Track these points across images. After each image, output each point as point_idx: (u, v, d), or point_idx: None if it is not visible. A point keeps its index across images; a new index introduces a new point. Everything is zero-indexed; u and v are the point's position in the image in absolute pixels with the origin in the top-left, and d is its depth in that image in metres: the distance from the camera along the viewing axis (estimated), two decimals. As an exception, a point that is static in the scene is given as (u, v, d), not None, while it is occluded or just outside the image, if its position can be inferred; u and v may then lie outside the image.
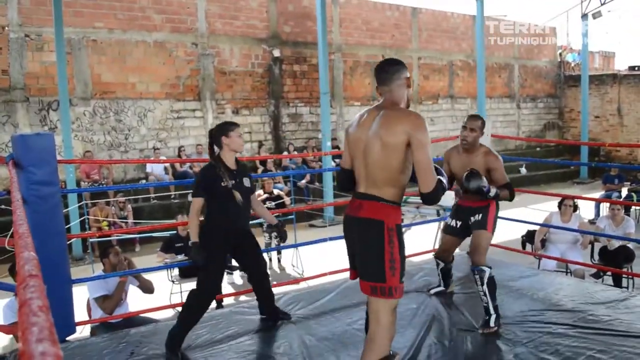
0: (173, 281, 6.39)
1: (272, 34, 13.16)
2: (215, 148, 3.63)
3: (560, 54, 20.82)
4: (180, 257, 6.35)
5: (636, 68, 19.66)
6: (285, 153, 12.76)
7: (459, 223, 4.07)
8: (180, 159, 11.18)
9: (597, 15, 17.27)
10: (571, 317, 3.86)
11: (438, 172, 2.56)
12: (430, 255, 7.20)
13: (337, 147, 13.40)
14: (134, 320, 4.54)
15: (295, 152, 12.76)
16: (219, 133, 3.60)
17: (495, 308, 3.67)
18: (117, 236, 8.63)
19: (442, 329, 3.73)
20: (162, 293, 6.31)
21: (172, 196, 10.89)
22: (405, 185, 2.58)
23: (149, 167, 11.07)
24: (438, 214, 7.63)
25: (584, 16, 17.51)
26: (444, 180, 2.55)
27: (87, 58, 10.72)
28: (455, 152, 4.13)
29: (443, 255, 4.30)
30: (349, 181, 2.74)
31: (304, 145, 13.45)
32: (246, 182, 3.66)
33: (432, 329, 3.72)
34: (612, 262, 6.09)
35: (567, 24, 21.76)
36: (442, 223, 7.73)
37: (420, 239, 7.89)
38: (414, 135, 2.44)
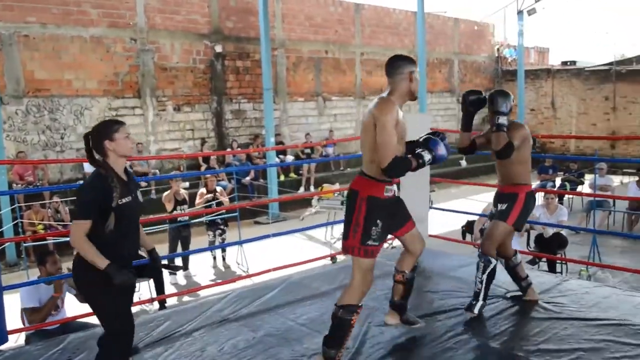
0: (114, 283, 6.21)
1: (214, 29, 12.97)
2: (97, 155, 2.84)
3: (498, 50, 21.45)
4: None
5: (568, 63, 20.50)
6: (229, 150, 12.63)
7: (494, 210, 3.82)
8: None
9: (532, 12, 17.88)
10: (509, 303, 3.99)
11: (415, 155, 2.96)
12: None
13: (281, 143, 13.38)
14: (71, 326, 4.40)
15: (239, 149, 12.65)
16: (100, 137, 2.79)
17: (485, 297, 3.70)
18: (54, 240, 8.31)
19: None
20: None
21: (113, 196, 10.58)
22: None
23: (87, 167, 10.71)
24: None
25: (520, 13, 18.10)
26: (412, 162, 2.90)
27: (18, 54, 10.25)
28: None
29: (499, 250, 3.82)
30: None
31: (247, 142, 13.34)
32: (140, 196, 2.99)
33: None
34: (547, 248, 6.34)
35: (504, 21, 22.39)
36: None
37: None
38: (377, 117, 2.85)
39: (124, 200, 2.74)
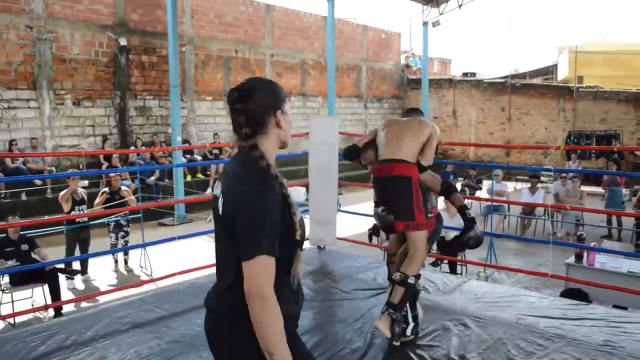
0: (3, 290, 5.77)
1: (119, 21, 12.41)
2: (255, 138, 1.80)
3: (405, 58, 22.22)
4: (11, 262, 5.75)
5: (469, 74, 21.62)
6: (133, 148, 12.12)
7: None
8: (12, 154, 10.11)
9: (436, 24, 18.66)
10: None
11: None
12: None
13: (188, 142, 13.04)
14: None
15: (143, 147, 12.18)
16: (271, 103, 1.81)
17: (415, 317, 3.58)
18: None
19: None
20: (-10, 303, 5.68)
21: (2, 195, 9.83)
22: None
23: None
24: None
25: (425, 24, 18.83)
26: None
27: None
28: None
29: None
30: None
31: (152, 140, 12.87)
32: None
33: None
34: (448, 251, 6.62)
35: (410, 31, 23.20)
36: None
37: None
38: (434, 132, 3.52)
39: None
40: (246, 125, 1.78)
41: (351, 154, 3.83)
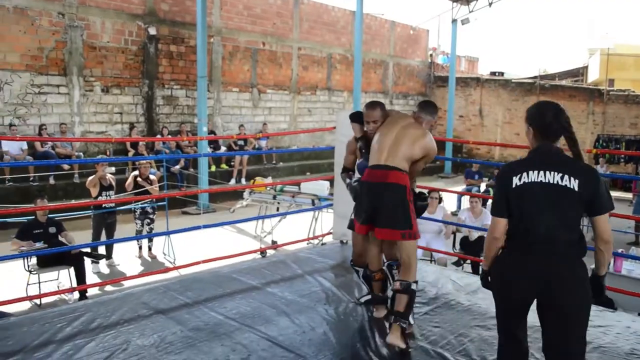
0: (30, 271, 5.88)
1: (149, 10, 12.52)
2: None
3: (431, 55, 22.03)
4: (39, 244, 5.85)
5: (497, 74, 21.36)
6: (159, 136, 12.25)
7: None
8: (42, 138, 10.30)
9: (465, 21, 18.48)
10: (436, 302, 4.10)
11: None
12: (305, 244, 7.32)
13: (213, 133, 13.13)
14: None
15: (169, 136, 12.30)
16: None
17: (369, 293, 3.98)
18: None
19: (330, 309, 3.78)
20: (18, 284, 5.80)
21: (31, 178, 10.02)
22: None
23: (5, 146, 10.07)
24: (313, 203, 7.73)
25: (454, 21, 18.65)
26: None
27: None
28: None
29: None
30: None
31: (178, 129, 12.99)
32: None
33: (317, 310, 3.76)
34: (472, 251, 6.57)
35: (438, 28, 23.03)
36: (317, 212, 7.89)
37: (296, 228, 7.98)
38: (430, 140, 3.53)
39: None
40: None
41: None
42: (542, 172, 2.39)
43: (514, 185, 2.42)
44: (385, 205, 3.34)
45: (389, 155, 3.39)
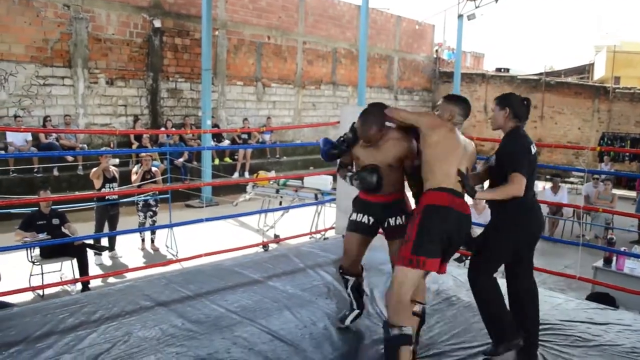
0: (33, 262, 5.91)
1: (154, 3, 12.50)
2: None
3: (437, 51, 21.95)
4: (42, 235, 5.88)
5: (502, 70, 21.27)
6: (163, 129, 12.26)
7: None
8: (46, 129, 10.31)
9: (471, 17, 18.41)
10: (437, 298, 4.10)
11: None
12: (307, 238, 7.33)
13: (217, 126, 13.13)
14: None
15: (173, 129, 12.31)
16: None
17: (358, 307, 3.62)
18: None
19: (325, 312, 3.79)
20: (21, 275, 5.82)
21: (35, 170, 10.05)
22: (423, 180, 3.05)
23: (9, 137, 10.10)
24: (316, 198, 7.74)
25: (460, 17, 18.57)
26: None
27: (-64, 10, 9.49)
28: None
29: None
30: None
31: (182, 122, 12.99)
32: None
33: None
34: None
35: (444, 23, 22.95)
36: (320, 207, 7.89)
37: (299, 222, 7.98)
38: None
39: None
40: None
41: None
42: (533, 145, 3.10)
43: (533, 152, 3.07)
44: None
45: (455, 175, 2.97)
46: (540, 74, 19.61)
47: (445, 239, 2.84)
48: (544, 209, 9.99)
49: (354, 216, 3.43)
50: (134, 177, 7.60)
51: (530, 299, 3.24)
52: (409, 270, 2.81)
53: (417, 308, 3.11)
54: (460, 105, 3.07)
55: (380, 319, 3.65)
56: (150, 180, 7.57)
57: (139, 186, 7.38)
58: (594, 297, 5.21)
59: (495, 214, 3.20)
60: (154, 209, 7.63)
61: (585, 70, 23.24)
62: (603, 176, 10.80)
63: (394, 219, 3.30)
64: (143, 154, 7.94)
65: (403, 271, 2.82)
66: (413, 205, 3.15)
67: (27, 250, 5.88)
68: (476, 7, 18.29)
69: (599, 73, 21.10)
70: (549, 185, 10.53)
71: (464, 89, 19.92)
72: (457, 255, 6.55)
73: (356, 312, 3.57)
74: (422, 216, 2.86)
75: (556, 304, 4.11)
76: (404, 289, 2.81)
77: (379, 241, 6.19)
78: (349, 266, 3.48)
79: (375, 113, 3.22)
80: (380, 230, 3.44)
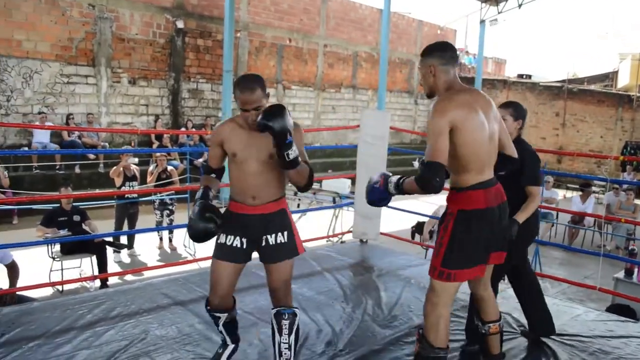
0: (54, 258, 5.99)
1: (177, 4, 12.63)
2: None
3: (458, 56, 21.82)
4: (63, 232, 5.95)
5: (524, 76, 21.07)
6: (183, 129, 12.36)
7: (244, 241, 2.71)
8: (69, 127, 10.47)
9: (493, 22, 18.27)
10: (454, 304, 4.06)
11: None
12: (324, 241, 7.33)
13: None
14: (5, 299, 4.21)
15: (194, 129, 12.40)
16: None
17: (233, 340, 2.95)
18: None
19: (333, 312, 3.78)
20: (41, 270, 5.90)
21: (57, 167, 10.20)
22: (461, 170, 2.49)
23: (37, 134, 10.25)
24: (334, 201, 7.73)
25: (482, 22, 18.45)
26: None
27: (-34, 8, 9.69)
28: None
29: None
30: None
31: (203, 123, 13.09)
32: None
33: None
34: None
35: (466, 28, 22.84)
36: (338, 210, 7.89)
37: (316, 225, 7.99)
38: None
39: None
40: None
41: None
42: None
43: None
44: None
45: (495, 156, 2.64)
46: (563, 81, 19.39)
47: (483, 240, 2.51)
48: (565, 217, 9.93)
49: (223, 238, 2.68)
50: (149, 178, 7.66)
51: (537, 291, 3.47)
52: (438, 283, 2.52)
53: (492, 328, 2.83)
54: None
55: (399, 327, 3.63)
56: (167, 180, 7.62)
57: (155, 186, 7.45)
58: (614, 309, 5.12)
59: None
60: (170, 207, 7.68)
61: (608, 78, 22.92)
62: (625, 186, 10.64)
63: (273, 236, 2.66)
64: (158, 154, 8.01)
65: (435, 283, 2.54)
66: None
67: (47, 246, 5.96)
68: (499, 13, 18.16)
69: (623, 81, 20.79)
70: (577, 194, 10.39)
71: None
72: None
73: (231, 347, 2.91)
74: (454, 224, 2.50)
75: (575, 314, 4.05)
76: (441, 301, 2.53)
77: (396, 246, 6.17)
78: (219, 303, 2.74)
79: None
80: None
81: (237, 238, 2.66)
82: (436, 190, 2.32)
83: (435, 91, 2.67)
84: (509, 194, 2.65)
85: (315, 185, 8.32)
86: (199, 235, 2.55)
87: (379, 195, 2.59)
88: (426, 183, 2.31)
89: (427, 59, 2.64)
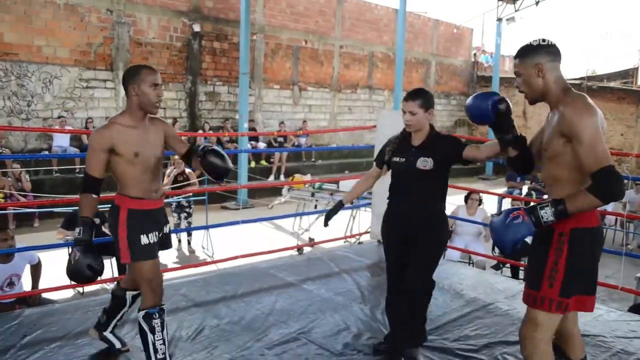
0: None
1: (194, 7, 12.73)
2: None
3: (475, 55, 21.68)
4: (83, 234, 6.01)
5: (542, 74, 20.83)
6: (201, 132, 12.44)
7: None
8: (88, 131, 10.58)
9: (510, 20, 18.14)
10: (473, 306, 4.04)
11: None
12: (342, 242, 7.32)
13: (254, 129, 13.25)
14: (28, 300, 4.26)
15: (211, 132, 12.48)
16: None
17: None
18: (14, 210, 8.05)
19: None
20: (62, 272, 5.97)
21: (77, 170, 10.32)
22: (578, 182, 2.22)
23: (57, 138, 10.40)
24: (351, 202, 7.71)
25: (499, 20, 18.31)
26: None
27: (-13, 15, 9.87)
28: None
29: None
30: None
31: (220, 125, 13.17)
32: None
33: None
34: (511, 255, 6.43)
35: (482, 27, 22.68)
36: (355, 211, 7.87)
37: (333, 226, 7.97)
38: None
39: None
40: None
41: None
42: None
43: None
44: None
45: None
46: (582, 78, 19.14)
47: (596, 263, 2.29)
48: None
49: (145, 239, 2.69)
50: (165, 180, 7.71)
51: None
52: (546, 315, 2.20)
53: None
54: None
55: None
56: (185, 183, 7.67)
57: (174, 188, 7.50)
58: (636, 309, 5.04)
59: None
60: (187, 210, 7.73)
61: (628, 74, 22.58)
62: (647, 184, 10.49)
63: (167, 226, 2.92)
64: (175, 157, 8.05)
65: (539, 315, 2.22)
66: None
67: (68, 248, 6.03)
68: (516, 10, 18.01)
69: (643, 78, 20.50)
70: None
71: (501, 93, 19.18)
72: (494, 262, 6.48)
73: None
74: (570, 246, 2.21)
75: (597, 315, 3.99)
76: (546, 336, 2.24)
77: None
78: (160, 300, 2.80)
79: None
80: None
81: (154, 233, 2.75)
82: (622, 197, 2.14)
83: (547, 94, 2.34)
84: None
85: (333, 186, 8.31)
86: (77, 280, 2.78)
87: (527, 231, 2.17)
88: (618, 194, 2.07)
89: (530, 59, 2.27)
